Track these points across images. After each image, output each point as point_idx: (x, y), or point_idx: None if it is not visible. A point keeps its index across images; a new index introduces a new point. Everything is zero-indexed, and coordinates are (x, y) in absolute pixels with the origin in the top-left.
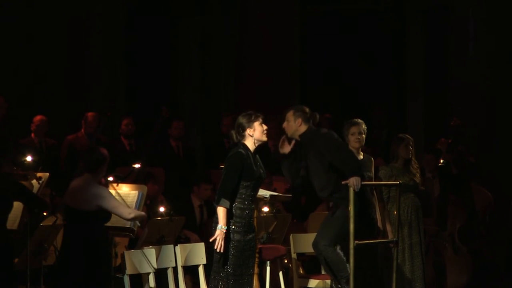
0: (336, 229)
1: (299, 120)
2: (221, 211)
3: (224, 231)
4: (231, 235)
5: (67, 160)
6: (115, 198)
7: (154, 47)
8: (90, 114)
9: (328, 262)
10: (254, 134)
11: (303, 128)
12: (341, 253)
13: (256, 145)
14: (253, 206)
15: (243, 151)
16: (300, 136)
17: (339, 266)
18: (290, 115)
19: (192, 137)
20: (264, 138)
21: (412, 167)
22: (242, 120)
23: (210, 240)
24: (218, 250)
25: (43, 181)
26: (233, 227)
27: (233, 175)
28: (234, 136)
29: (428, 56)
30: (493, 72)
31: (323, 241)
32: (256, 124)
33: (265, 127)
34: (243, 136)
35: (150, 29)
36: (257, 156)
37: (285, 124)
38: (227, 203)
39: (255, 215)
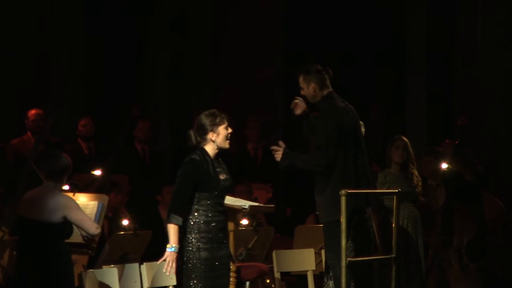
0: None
1: (312, 84)
2: (171, 229)
3: (176, 252)
4: (198, 254)
5: (14, 167)
6: (82, 211)
7: (119, 39)
8: (32, 112)
9: (333, 277)
10: (217, 140)
11: (319, 93)
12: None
13: (217, 150)
14: (222, 217)
15: (198, 158)
16: (317, 104)
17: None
18: (301, 81)
19: (160, 140)
20: (226, 146)
21: (409, 174)
22: (204, 120)
23: (158, 262)
24: (168, 274)
25: None
26: (199, 244)
27: (185, 187)
28: (193, 137)
29: (431, 43)
30: (506, 62)
31: (330, 254)
32: (221, 128)
33: (229, 131)
34: (203, 139)
35: (114, 18)
36: (220, 160)
37: (302, 92)
38: (179, 219)
39: (232, 228)
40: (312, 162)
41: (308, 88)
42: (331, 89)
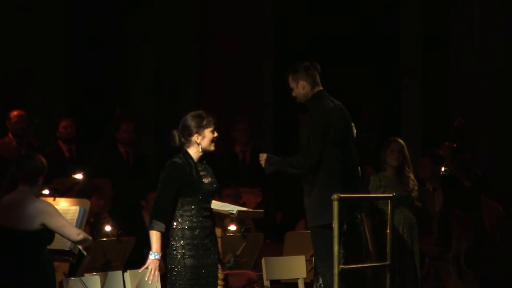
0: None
1: (301, 82)
2: (153, 236)
3: (159, 259)
4: (183, 261)
5: None
6: (63, 216)
7: (101, 37)
8: (15, 113)
9: (324, 286)
10: (202, 142)
11: (309, 92)
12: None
13: (202, 153)
14: (208, 223)
15: (180, 161)
16: (306, 103)
17: None
18: (290, 81)
19: (144, 142)
20: (212, 148)
21: (405, 177)
22: (190, 122)
23: (140, 271)
24: (150, 282)
25: None
26: (183, 251)
27: (167, 192)
28: (177, 138)
29: (426, 44)
30: (504, 62)
31: (319, 261)
32: (207, 131)
33: (215, 135)
34: (188, 141)
35: (96, 15)
36: (204, 163)
37: (293, 94)
38: (161, 225)
39: (219, 234)
40: (294, 164)
41: (297, 87)
42: (321, 88)
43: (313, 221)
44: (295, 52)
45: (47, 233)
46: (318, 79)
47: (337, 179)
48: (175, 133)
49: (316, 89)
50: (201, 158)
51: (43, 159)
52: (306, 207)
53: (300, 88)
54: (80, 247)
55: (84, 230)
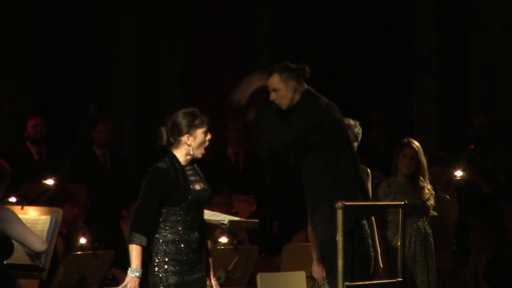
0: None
1: (293, 83)
2: (133, 250)
3: (139, 277)
4: (166, 279)
5: None
6: (24, 223)
7: (75, 25)
8: None
9: None
10: (192, 144)
11: (298, 94)
12: None
13: (190, 157)
14: (194, 236)
15: (164, 166)
16: (296, 105)
17: None
18: (276, 81)
19: (123, 144)
20: (199, 155)
21: (419, 184)
22: (181, 120)
23: None
24: None
25: None
26: (166, 267)
27: (149, 200)
28: (165, 136)
29: (443, 34)
30: None
31: (330, 278)
32: (199, 132)
33: (208, 137)
34: (176, 141)
35: (71, 6)
36: (195, 167)
37: (274, 96)
38: (142, 239)
39: (209, 247)
40: (276, 132)
41: (286, 88)
42: (307, 86)
43: (327, 232)
44: (292, 49)
45: (6, 244)
46: (303, 80)
47: (354, 186)
48: (163, 131)
49: (303, 88)
50: (190, 162)
51: (7, 166)
52: (315, 216)
53: (290, 90)
54: None
55: (56, 243)
